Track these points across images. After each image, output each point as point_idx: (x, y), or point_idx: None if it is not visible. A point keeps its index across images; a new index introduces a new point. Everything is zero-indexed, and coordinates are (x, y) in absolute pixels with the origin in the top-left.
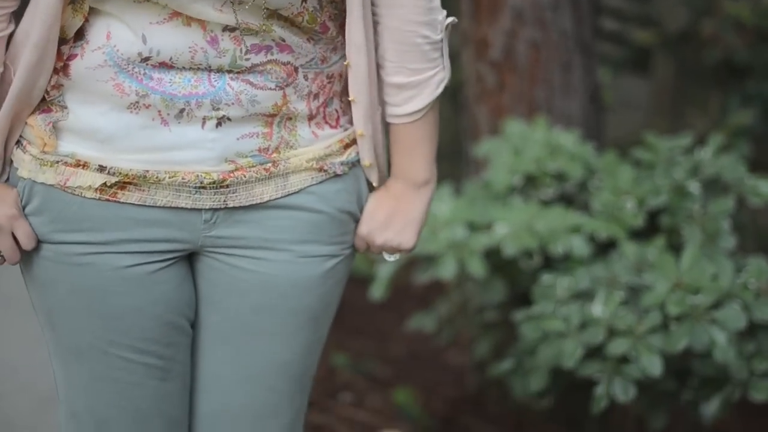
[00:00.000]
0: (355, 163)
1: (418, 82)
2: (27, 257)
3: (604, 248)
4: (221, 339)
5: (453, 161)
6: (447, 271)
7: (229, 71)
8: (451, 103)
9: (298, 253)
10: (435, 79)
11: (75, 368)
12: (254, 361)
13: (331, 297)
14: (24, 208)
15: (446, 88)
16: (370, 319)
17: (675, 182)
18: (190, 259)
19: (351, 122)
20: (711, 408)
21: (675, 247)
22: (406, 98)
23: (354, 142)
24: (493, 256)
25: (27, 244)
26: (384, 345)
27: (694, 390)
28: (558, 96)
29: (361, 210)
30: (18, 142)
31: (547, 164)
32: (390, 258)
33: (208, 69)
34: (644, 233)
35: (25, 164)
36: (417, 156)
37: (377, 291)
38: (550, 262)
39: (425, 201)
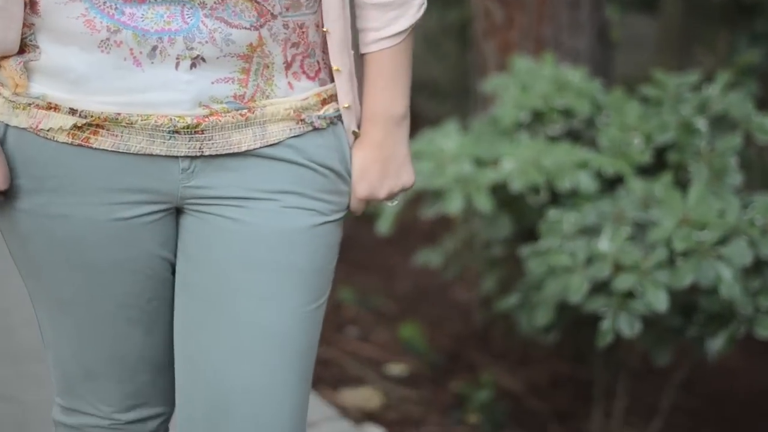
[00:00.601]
0: (334, 121)
1: (402, 1)
2: (2, 210)
3: (610, 184)
4: (209, 305)
5: (459, 99)
6: (454, 206)
7: (202, 4)
8: (458, 41)
9: (282, 203)
10: (417, 0)
11: (59, 319)
12: (244, 332)
13: (322, 261)
14: None
15: (452, 25)
16: (376, 255)
17: (682, 119)
18: (177, 219)
19: (330, 77)
20: (716, 344)
21: (682, 184)
22: (390, 19)
23: (332, 98)
24: (499, 191)
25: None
26: (390, 281)
27: (699, 326)
28: (566, 33)
29: (348, 172)
30: None
31: (554, 100)
32: (391, 203)
33: (182, 3)
34: (651, 169)
35: None
36: (397, 88)
37: (383, 226)
38: (556, 198)
39: (406, 137)
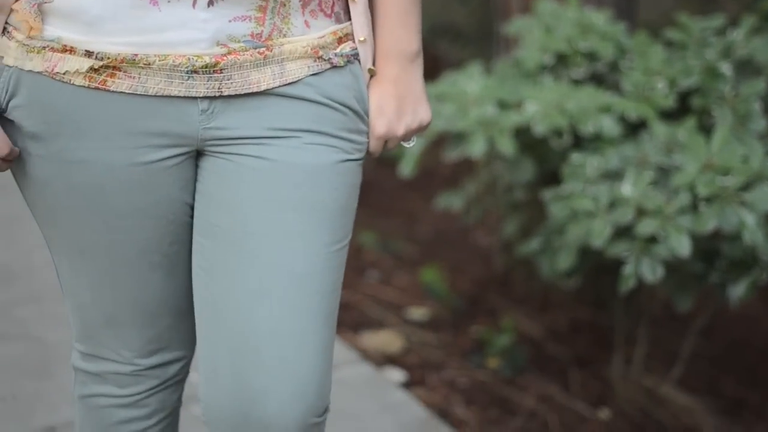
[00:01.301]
0: (351, 60)
1: None
2: (20, 158)
3: (634, 128)
4: (232, 247)
5: (482, 42)
6: (476, 148)
7: None
8: None
9: (304, 140)
10: None
11: (79, 266)
12: (269, 272)
13: (346, 200)
14: (9, 102)
15: None
16: (397, 200)
17: (706, 63)
18: (196, 162)
19: (346, 15)
20: (738, 290)
21: (705, 128)
22: None
23: (347, 37)
24: (522, 134)
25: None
26: (411, 225)
27: (721, 272)
28: None
29: (366, 111)
30: (4, 30)
31: (578, 43)
32: (409, 144)
33: None
34: (675, 114)
35: (11, 51)
36: (409, 25)
37: (406, 169)
38: (579, 142)
39: (421, 74)
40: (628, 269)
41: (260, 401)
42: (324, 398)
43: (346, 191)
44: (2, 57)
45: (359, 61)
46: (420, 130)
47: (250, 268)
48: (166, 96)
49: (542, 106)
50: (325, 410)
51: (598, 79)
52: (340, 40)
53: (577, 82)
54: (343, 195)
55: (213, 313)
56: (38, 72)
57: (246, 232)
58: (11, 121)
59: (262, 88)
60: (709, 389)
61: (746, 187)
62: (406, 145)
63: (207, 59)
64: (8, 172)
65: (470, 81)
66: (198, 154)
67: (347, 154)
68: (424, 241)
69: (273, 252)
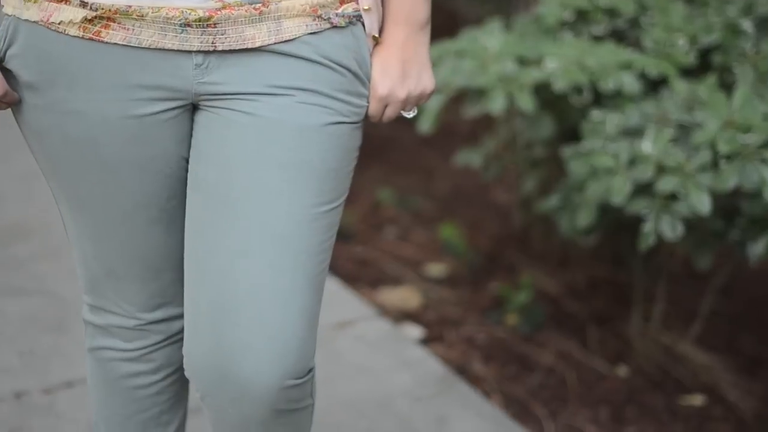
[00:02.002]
0: (353, 20)
1: None
2: (18, 106)
3: (654, 85)
4: (218, 203)
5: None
6: (496, 104)
7: None
8: None
9: (296, 98)
10: None
11: (79, 216)
12: (251, 229)
13: (336, 162)
14: (7, 51)
15: None
16: (416, 156)
17: (728, 20)
18: (193, 116)
19: None
20: (757, 248)
21: (726, 86)
22: None
23: None
24: (542, 90)
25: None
26: (429, 182)
27: (741, 230)
28: None
29: (366, 75)
30: None
31: None
32: (409, 114)
33: None
34: (695, 71)
35: (10, 0)
36: None
37: (425, 124)
38: (599, 99)
39: (427, 43)
40: (647, 227)
41: (236, 360)
42: (305, 360)
43: (338, 153)
44: (3, 6)
45: (363, 24)
46: (422, 98)
47: (233, 225)
48: (161, 49)
49: (562, 62)
50: (308, 372)
51: (618, 36)
52: (342, 1)
53: (597, 39)
54: (333, 156)
55: (195, 267)
56: (34, 21)
57: (231, 187)
58: (9, 71)
59: (257, 45)
60: (727, 347)
61: (767, 144)
62: (406, 114)
63: (200, 13)
64: None
65: (490, 37)
66: (194, 109)
67: (342, 116)
68: (442, 198)
69: (256, 209)
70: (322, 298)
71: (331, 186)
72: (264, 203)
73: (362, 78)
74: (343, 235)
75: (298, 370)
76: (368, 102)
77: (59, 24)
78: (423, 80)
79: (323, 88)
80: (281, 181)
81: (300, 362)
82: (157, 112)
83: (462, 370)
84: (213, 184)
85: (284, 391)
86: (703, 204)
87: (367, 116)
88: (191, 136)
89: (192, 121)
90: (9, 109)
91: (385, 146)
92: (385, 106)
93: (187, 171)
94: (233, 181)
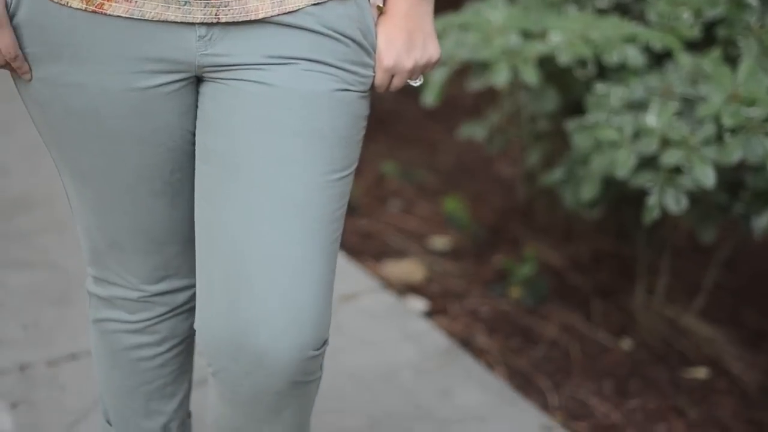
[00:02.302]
0: None
1: None
2: (22, 81)
3: (659, 59)
4: (228, 171)
5: None
6: (500, 78)
7: None
8: None
9: (302, 66)
10: None
11: (82, 188)
12: (264, 198)
13: (345, 130)
14: (11, 20)
15: None
16: (420, 129)
17: None
18: (197, 89)
19: None
20: (761, 222)
21: (731, 59)
22: None
23: None
24: (546, 64)
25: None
26: (433, 155)
27: (745, 203)
28: None
29: (371, 45)
30: None
31: None
32: (415, 83)
33: None
34: (700, 44)
35: None
36: None
37: (429, 97)
38: (604, 72)
39: (431, 12)
40: (652, 200)
41: (252, 331)
42: (321, 331)
43: (347, 121)
44: None
45: None
46: (428, 67)
47: (245, 194)
48: (164, 21)
49: (566, 35)
50: (324, 343)
51: (622, 9)
52: None
53: (601, 12)
54: (343, 124)
55: (208, 238)
56: None
57: (242, 156)
58: None
59: (260, 16)
60: (731, 320)
61: None
62: (412, 83)
63: None
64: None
65: (494, 10)
66: (198, 81)
67: (348, 85)
68: (446, 171)
69: (268, 178)
70: (335, 269)
71: (342, 154)
72: (276, 171)
73: (367, 48)
74: (347, 208)
75: (315, 341)
76: (374, 72)
77: None
78: (429, 49)
79: (328, 58)
80: (293, 149)
81: (317, 333)
82: (160, 85)
83: (466, 343)
84: (223, 154)
85: (302, 362)
86: (707, 177)
87: (373, 87)
88: (195, 108)
89: (196, 93)
90: (12, 83)
91: (389, 119)
92: (392, 77)
93: (192, 144)
94: (243, 150)
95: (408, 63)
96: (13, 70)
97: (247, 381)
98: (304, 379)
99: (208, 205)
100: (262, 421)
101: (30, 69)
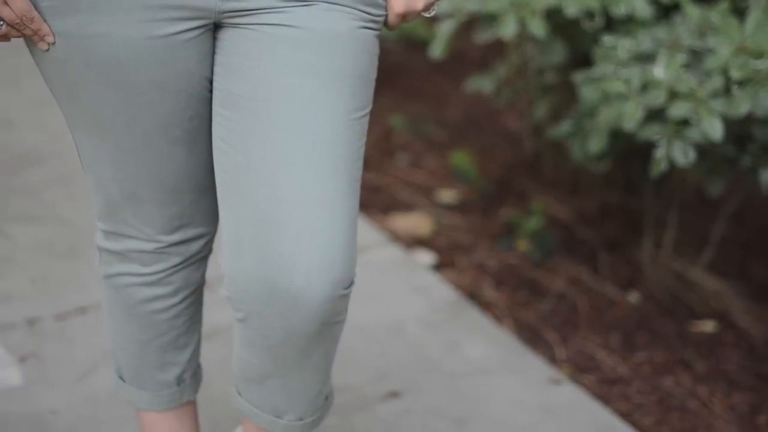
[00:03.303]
0: None
1: None
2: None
3: (666, 10)
4: (253, 115)
5: None
6: (507, 30)
7: None
8: None
9: (321, 7)
10: None
11: (99, 142)
12: (292, 139)
13: (365, 67)
14: None
15: None
16: (427, 83)
17: None
18: (215, 35)
19: None
20: None
21: (739, 11)
22: None
23: None
24: (554, 16)
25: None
26: (440, 109)
27: (752, 156)
28: None
29: None
30: None
31: None
32: (429, 14)
33: None
34: None
35: None
36: None
37: (436, 50)
38: (611, 23)
39: None
40: (659, 152)
41: (287, 271)
42: (351, 269)
43: (366, 59)
44: None
45: None
46: None
47: (273, 136)
48: None
49: None
50: (351, 283)
51: None
52: None
53: None
54: (363, 62)
55: (236, 183)
56: None
57: (267, 99)
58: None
59: None
60: (738, 273)
61: None
62: (426, 14)
63: None
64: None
65: None
66: (216, 27)
67: (365, 23)
68: (453, 124)
69: (295, 118)
70: (358, 206)
71: (362, 92)
72: (302, 111)
73: None
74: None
75: (345, 279)
76: (386, 11)
77: None
78: None
79: (344, 0)
80: (317, 89)
81: (347, 271)
82: (180, 32)
83: (473, 296)
84: (248, 98)
85: (333, 301)
86: (715, 130)
87: (386, 25)
88: (212, 55)
89: (213, 40)
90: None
91: (396, 73)
92: (404, 17)
93: (208, 91)
94: (269, 93)
95: (418, 5)
96: (34, 35)
97: (279, 323)
98: (333, 319)
99: (234, 151)
100: (290, 366)
101: (51, 31)
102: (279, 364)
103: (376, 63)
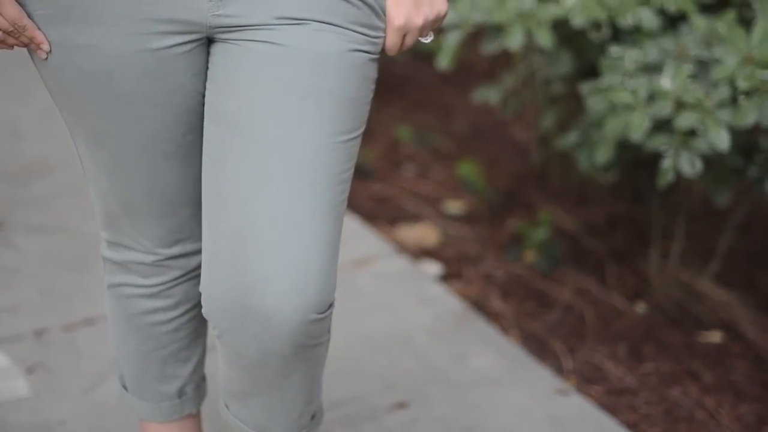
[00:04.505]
0: None
1: None
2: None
3: (673, 21)
4: (236, 132)
5: None
6: (514, 41)
7: None
8: None
9: (314, 27)
10: None
11: (96, 152)
12: (271, 158)
13: (355, 91)
14: None
15: None
16: (434, 94)
17: None
18: (209, 49)
19: None
20: None
21: (746, 21)
22: None
23: None
24: (561, 27)
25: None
26: (447, 120)
27: (759, 166)
28: None
29: (381, 8)
30: None
31: None
32: (426, 39)
33: None
34: (714, 6)
35: None
36: None
37: (443, 61)
38: (618, 34)
39: None
40: (666, 163)
41: (258, 291)
42: (327, 294)
43: (357, 82)
44: None
45: None
46: (437, 21)
47: (253, 154)
48: None
49: None
50: (329, 306)
51: None
52: None
53: None
54: (352, 85)
55: (215, 199)
56: None
57: (250, 116)
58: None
59: None
60: (745, 284)
61: None
62: (423, 40)
63: None
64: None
65: None
66: (210, 42)
67: (359, 46)
68: (460, 135)
69: (276, 138)
70: (341, 232)
71: (351, 115)
72: (284, 131)
73: (377, 10)
74: (362, 173)
75: (319, 304)
76: (385, 34)
77: None
78: (436, 4)
79: (338, 20)
80: (301, 109)
81: (322, 295)
82: (172, 46)
83: (480, 307)
84: (232, 114)
85: (306, 325)
86: (722, 140)
87: (384, 50)
88: (206, 70)
89: (207, 54)
90: (26, 48)
91: (403, 84)
92: (404, 36)
93: (203, 105)
94: (252, 110)
95: (418, 20)
96: (30, 43)
97: (252, 344)
98: (309, 342)
99: (215, 165)
100: (269, 386)
101: (47, 39)
102: (257, 383)
103: (370, 87)
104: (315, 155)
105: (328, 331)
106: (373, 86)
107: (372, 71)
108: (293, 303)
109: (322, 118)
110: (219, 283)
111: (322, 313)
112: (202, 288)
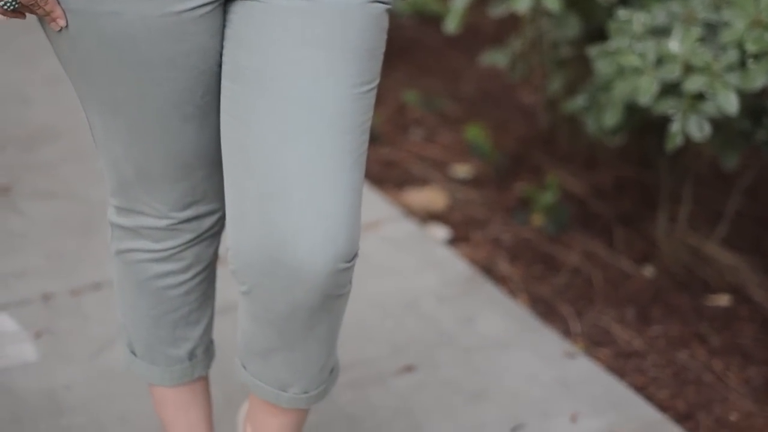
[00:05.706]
0: None
1: None
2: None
3: None
4: (262, 88)
5: None
6: (522, 4)
7: None
8: None
9: None
10: None
11: (111, 119)
12: (299, 111)
13: (373, 42)
14: None
15: None
16: (441, 58)
17: None
18: (226, 8)
19: None
20: None
21: None
22: None
23: None
24: None
25: None
26: (455, 83)
27: (767, 130)
28: None
29: None
30: None
31: None
32: None
33: None
34: None
35: None
36: None
37: (450, 25)
38: None
39: None
40: (675, 126)
41: (290, 244)
42: (354, 242)
43: (375, 34)
44: None
45: None
46: None
47: (279, 109)
48: None
49: None
50: (355, 256)
51: None
52: None
53: None
54: (372, 37)
55: (241, 156)
56: None
57: (275, 72)
58: None
59: None
60: (753, 247)
61: None
62: None
63: None
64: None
65: None
66: (227, 1)
67: None
68: (468, 99)
69: (302, 91)
70: (363, 181)
71: (369, 66)
72: (310, 84)
73: None
74: (369, 137)
75: (348, 253)
76: None
77: None
78: None
79: None
80: (325, 62)
81: (351, 244)
82: (194, 8)
83: (488, 270)
84: (255, 70)
85: (336, 274)
86: (730, 103)
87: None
88: (223, 30)
89: (224, 15)
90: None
91: (410, 48)
92: None
93: (220, 66)
94: (278, 66)
95: None
96: (46, 15)
97: (283, 297)
98: (336, 292)
99: (237, 123)
100: (295, 339)
101: (63, 14)
102: (283, 338)
103: (385, 38)
104: (339, 107)
105: (350, 282)
106: (386, 37)
107: (386, 22)
108: (325, 254)
109: (346, 69)
110: (248, 239)
111: (349, 261)
112: (230, 245)
